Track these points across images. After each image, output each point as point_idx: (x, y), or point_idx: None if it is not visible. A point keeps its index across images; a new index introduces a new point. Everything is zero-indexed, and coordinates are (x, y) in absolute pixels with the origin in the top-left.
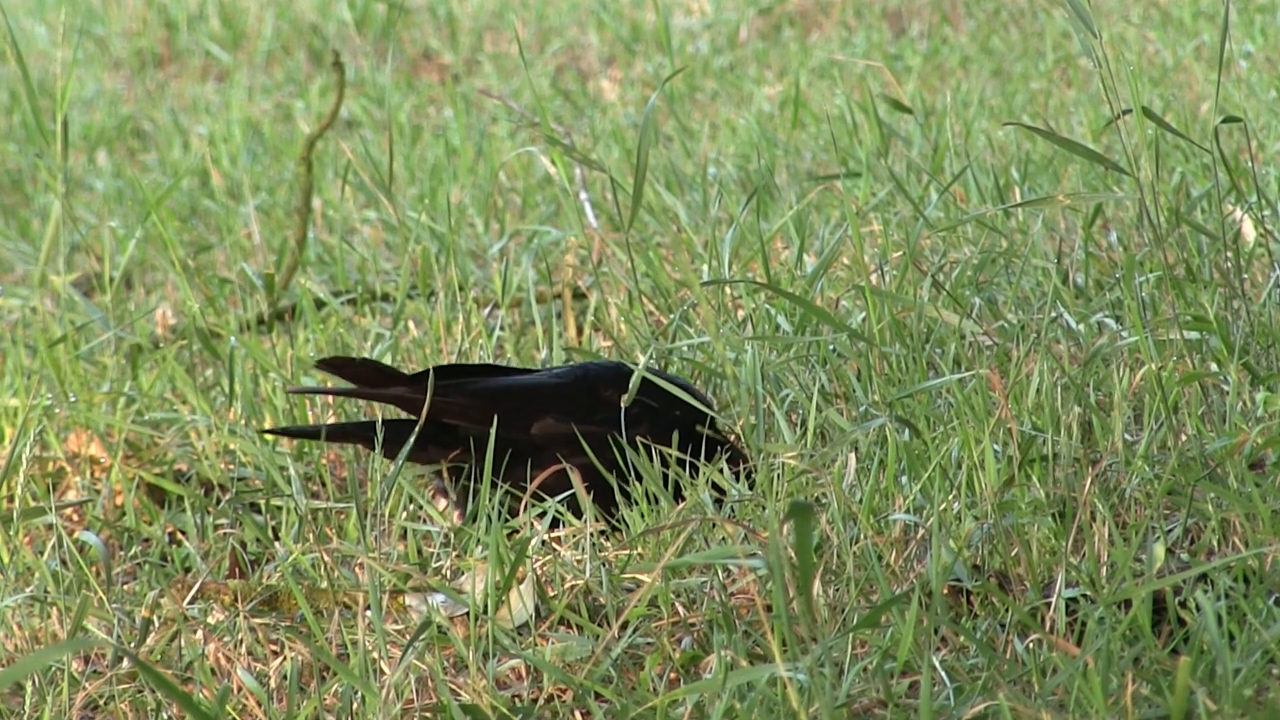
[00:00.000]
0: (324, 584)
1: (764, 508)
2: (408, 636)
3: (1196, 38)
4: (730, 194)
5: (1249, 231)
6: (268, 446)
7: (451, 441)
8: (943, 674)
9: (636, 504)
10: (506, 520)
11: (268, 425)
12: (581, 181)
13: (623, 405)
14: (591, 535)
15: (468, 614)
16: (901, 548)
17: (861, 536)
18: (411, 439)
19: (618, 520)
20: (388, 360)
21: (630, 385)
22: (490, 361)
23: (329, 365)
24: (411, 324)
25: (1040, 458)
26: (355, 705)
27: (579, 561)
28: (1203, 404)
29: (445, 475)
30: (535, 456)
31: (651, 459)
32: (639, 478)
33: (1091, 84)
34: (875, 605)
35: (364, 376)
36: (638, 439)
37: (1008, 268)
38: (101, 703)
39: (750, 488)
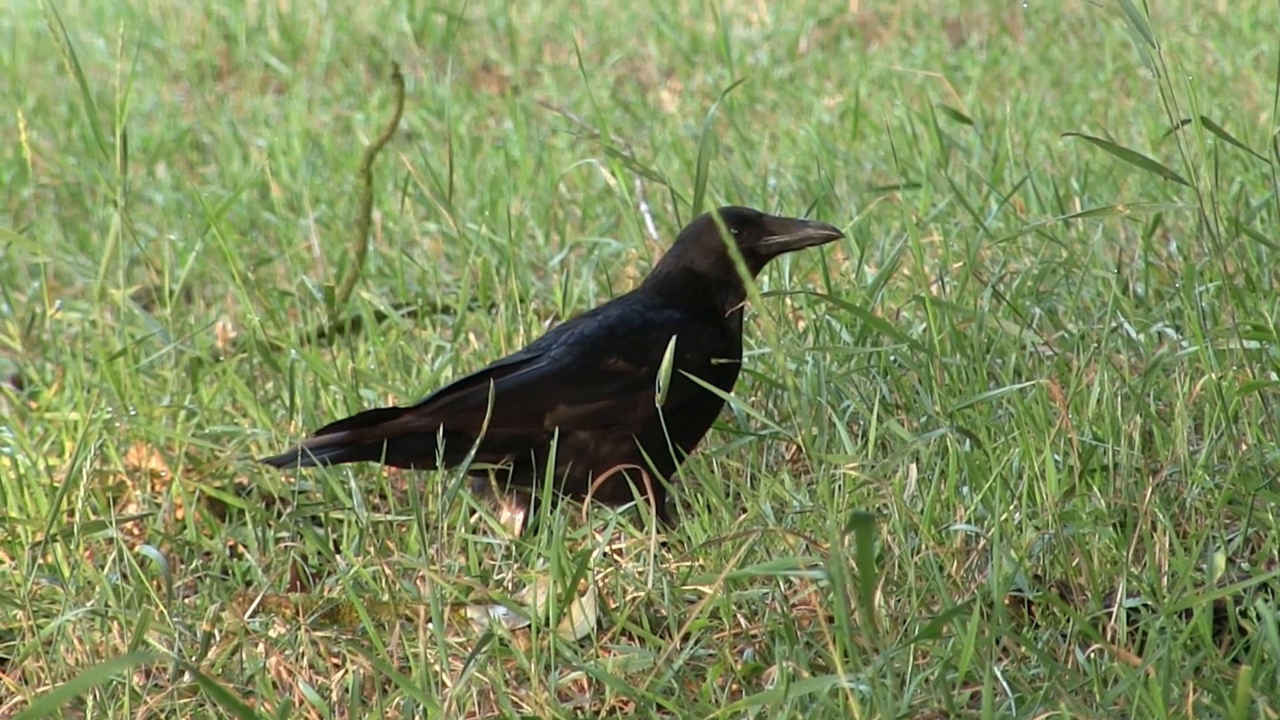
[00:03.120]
0: (385, 597)
1: (825, 519)
2: (469, 649)
3: (1255, 47)
4: (790, 204)
5: None
6: None
7: (468, 448)
8: (1004, 684)
9: (697, 515)
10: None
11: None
12: (641, 193)
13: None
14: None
15: (529, 626)
16: (963, 558)
17: (923, 547)
18: (473, 451)
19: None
20: (448, 373)
21: (659, 381)
22: None
23: (324, 434)
24: (472, 336)
25: (1101, 468)
26: (417, 718)
27: (640, 573)
28: (1263, 413)
29: (493, 481)
30: (556, 445)
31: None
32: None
33: (1150, 94)
34: (937, 616)
35: (366, 423)
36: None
37: (1068, 278)
38: (163, 716)
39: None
